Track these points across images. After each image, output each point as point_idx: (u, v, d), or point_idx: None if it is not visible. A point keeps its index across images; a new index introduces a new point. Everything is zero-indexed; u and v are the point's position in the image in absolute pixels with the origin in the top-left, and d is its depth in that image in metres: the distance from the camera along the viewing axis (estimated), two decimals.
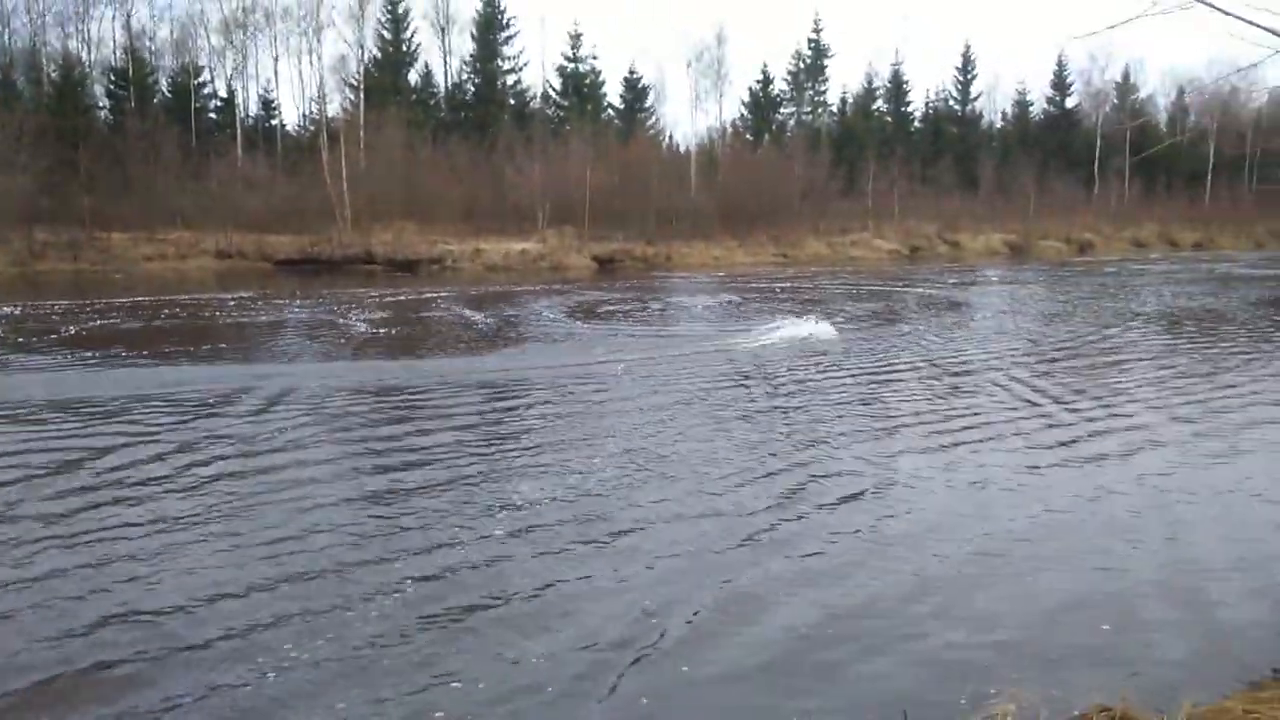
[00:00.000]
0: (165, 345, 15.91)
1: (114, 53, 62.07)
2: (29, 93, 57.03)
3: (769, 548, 6.58)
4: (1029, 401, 11.44)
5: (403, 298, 27.87)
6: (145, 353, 14.74)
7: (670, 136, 76.43)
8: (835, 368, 14.11)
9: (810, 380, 12.95)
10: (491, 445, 9.21)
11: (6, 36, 59.07)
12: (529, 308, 24.18)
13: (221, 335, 17.74)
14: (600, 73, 73.19)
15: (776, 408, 11.07)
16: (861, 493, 7.76)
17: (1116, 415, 10.68)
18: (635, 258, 52.98)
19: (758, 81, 77.97)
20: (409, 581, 5.98)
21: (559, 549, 6.60)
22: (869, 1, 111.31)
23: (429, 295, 29.12)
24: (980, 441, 9.30)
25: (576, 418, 10.61)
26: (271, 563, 6.15)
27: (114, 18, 61.87)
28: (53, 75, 58.66)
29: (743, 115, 78.60)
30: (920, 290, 31.65)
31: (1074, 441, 9.44)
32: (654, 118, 74.93)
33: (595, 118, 68.96)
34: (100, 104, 60.79)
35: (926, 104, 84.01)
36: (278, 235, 49.02)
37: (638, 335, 18.57)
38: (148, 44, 62.57)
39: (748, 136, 76.91)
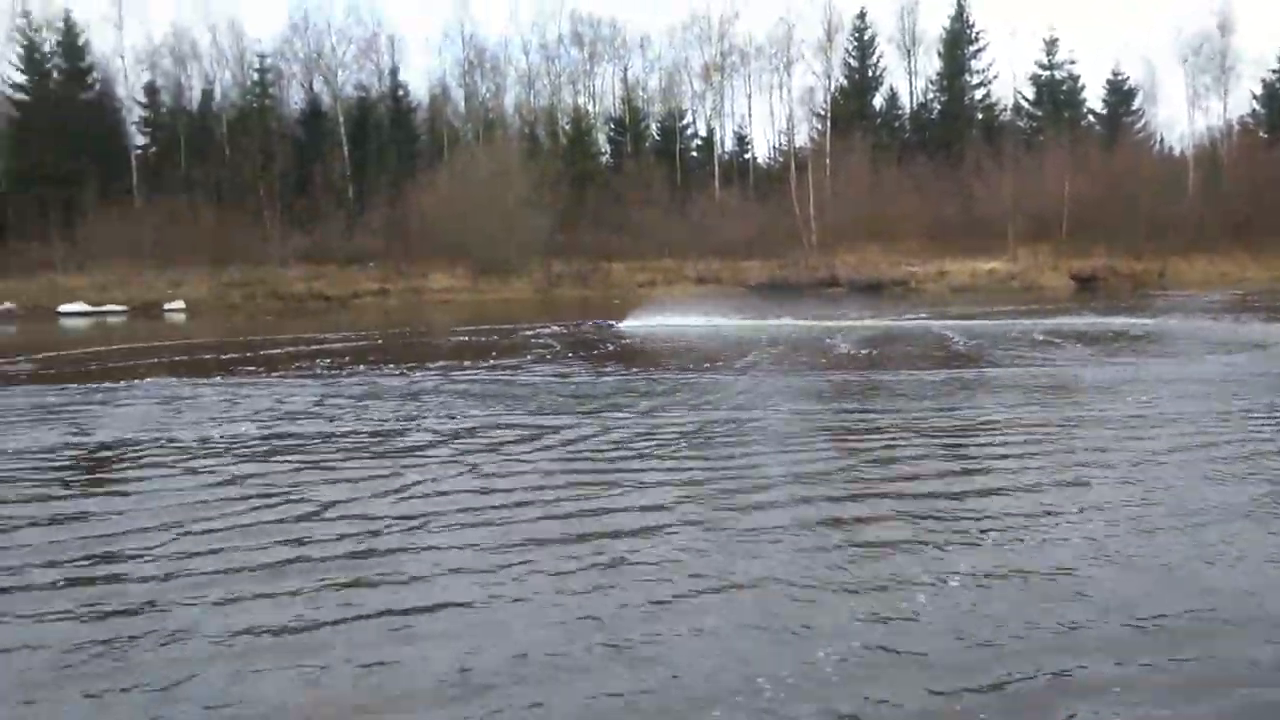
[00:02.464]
0: (680, 360, 17.60)
1: (614, 104, 70.28)
2: (548, 144, 66.52)
3: None
4: None
5: (872, 319, 28.15)
6: (659, 366, 16.40)
7: (1161, 140, 68.98)
8: None
9: None
10: (978, 495, 7.18)
11: (531, 97, 69.46)
12: (1005, 332, 23.06)
13: (720, 350, 19.12)
14: (1078, 78, 68.33)
15: None
16: None
17: None
18: (1120, 275, 48.58)
19: (1273, 71, 67.49)
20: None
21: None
22: None
23: (898, 316, 29.13)
24: None
25: (1104, 479, 7.65)
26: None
27: (614, 73, 70.10)
28: (566, 128, 67.94)
29: (1254, 111, 68.42)
30: None
31: None
32: (1142, 120, 68.13)
33: (1073, 125, 64.34)
34: (603, 151, 69.12)
35: None
36: (749, 261, 52.14)
37: (1163, 375, 14.24)
38: (641, 93, 69.94)
39: (1261, 134, 66.77)
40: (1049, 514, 6.59)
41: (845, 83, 67.93)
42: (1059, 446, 9.07)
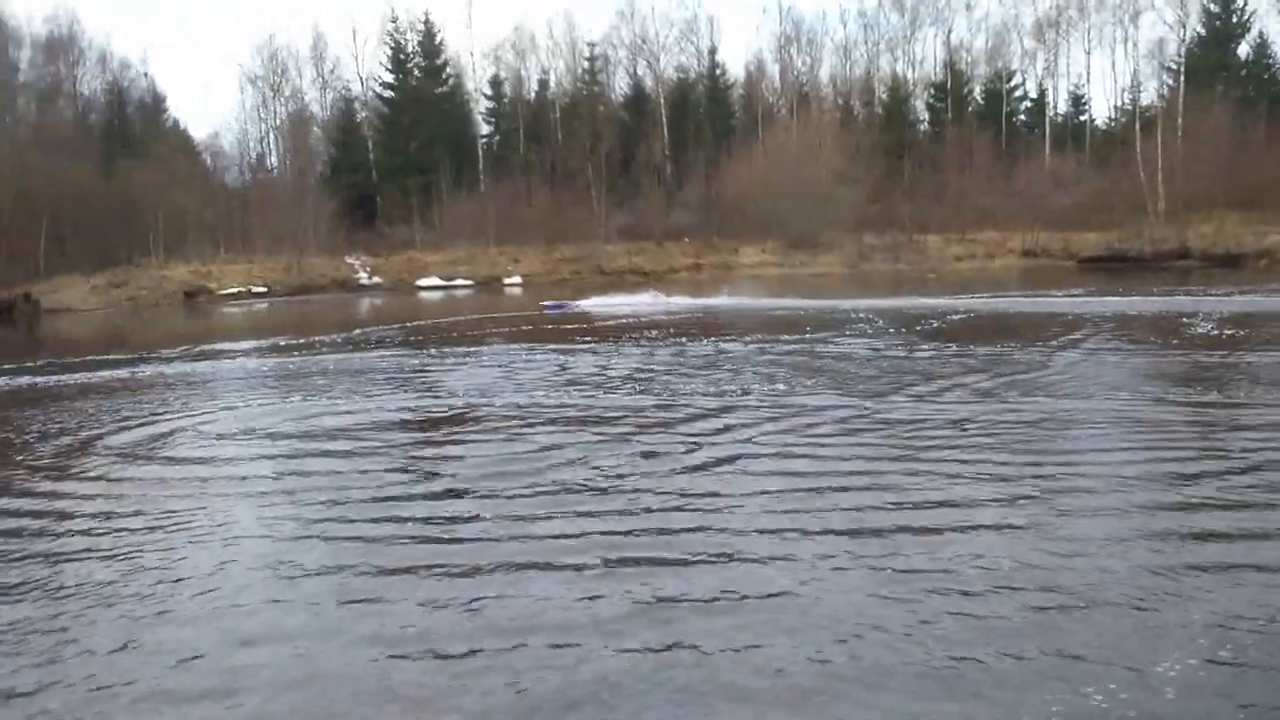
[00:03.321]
0: (1006, 337, 16.70)
1: (934, 69, 67.36)
2: (863, 115, 65.14)
3: None
4: None
5: (1239, 296, 25.08)
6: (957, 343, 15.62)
7: None
8: None
9: None
10: None
11: (847, 67, 68.23)
12: None
13: (1050, 325, 17.92)
14: None
15: None
16: None
17: None
18: None
19: None
20: None
21: None
22: None
23: (1267, 293, 25.75)
24: None
25: None
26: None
27: (936, 36, 67.14)
28: (882, 97, 66.13)
29: None
30: None
31: None
32: None
33: None
34: (921, 118, 66.60)
35: None
36: (1082, 232, 48.21)
37: None
38: (965, 56, 66.48)
39: None
40: None
41: (1202, 32, 60.52)
42: None
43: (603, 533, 6.04)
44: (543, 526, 6.20)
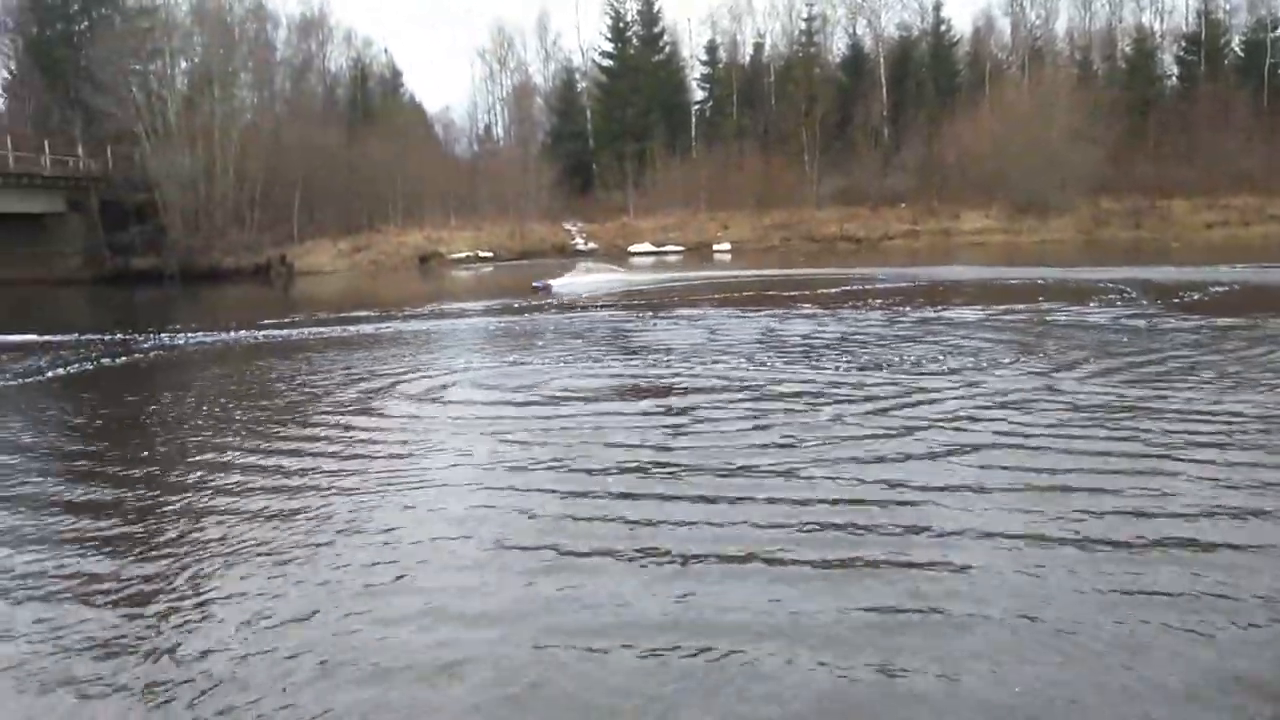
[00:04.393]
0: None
1: (1185, 19, 61.67)
2: (1103, 70, 60.58)
3: None
4: None
5: None
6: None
7: None
8: None
9: None
10: None
11: (1087, 19, 63.55)
12: None
13: None
14: None
15: None
16: None
17: None
18: None
19: None
20: None
21: None
22: None
23: None
24: None
25: None
26: None
27: None
28: (1125, 50, 61.23)
29: None
30: None
31: None
32: None
33: None
34: (1168, 73, 61.27)
35: None
36: None
37: None
38: (1221, 4, 60.41)
39: None
40: None
41: None
42: None
43: (814, 524, 5.73)
44: (749, 512, 5.97)
